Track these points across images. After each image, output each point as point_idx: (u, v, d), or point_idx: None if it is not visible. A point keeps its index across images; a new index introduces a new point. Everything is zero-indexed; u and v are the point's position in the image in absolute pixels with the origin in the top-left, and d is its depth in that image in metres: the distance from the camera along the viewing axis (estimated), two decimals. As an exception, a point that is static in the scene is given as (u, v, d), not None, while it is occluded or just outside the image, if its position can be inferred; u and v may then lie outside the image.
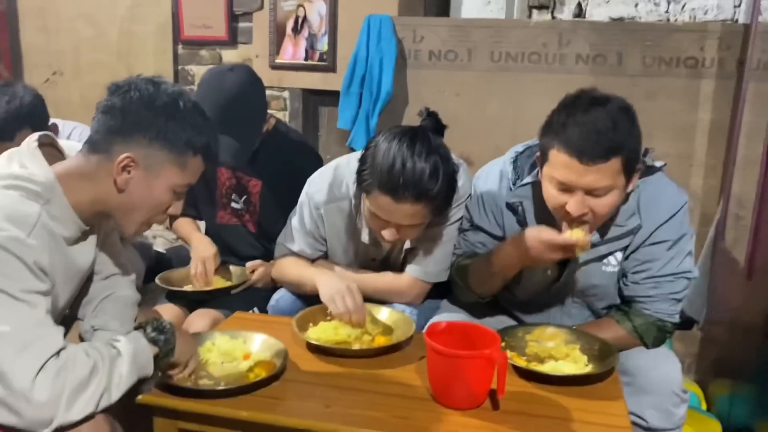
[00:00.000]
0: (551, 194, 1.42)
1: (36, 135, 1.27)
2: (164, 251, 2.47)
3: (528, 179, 1.58)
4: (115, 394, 1.13)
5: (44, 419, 1.05)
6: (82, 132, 2.11)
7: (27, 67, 3.21)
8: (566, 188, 1.39)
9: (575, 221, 1.41)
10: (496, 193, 1.63)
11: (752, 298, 1.89)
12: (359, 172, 1.57)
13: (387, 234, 1.58)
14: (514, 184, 1.60)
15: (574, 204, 1.38)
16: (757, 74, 2.15)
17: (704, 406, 2.28)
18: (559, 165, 1.37)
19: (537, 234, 1.44)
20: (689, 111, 2.40)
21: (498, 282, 1.60)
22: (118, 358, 1.15)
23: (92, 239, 1.31)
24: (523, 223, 1.58)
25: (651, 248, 1.51)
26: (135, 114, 1.19)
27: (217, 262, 1.98)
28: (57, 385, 1.06)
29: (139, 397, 1.24)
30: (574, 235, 1.39)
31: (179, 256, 2.38)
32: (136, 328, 1.27)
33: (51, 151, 1.27)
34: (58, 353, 1.08)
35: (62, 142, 1.35)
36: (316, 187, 1.77)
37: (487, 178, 1.68)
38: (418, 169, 1.47)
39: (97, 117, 1.22)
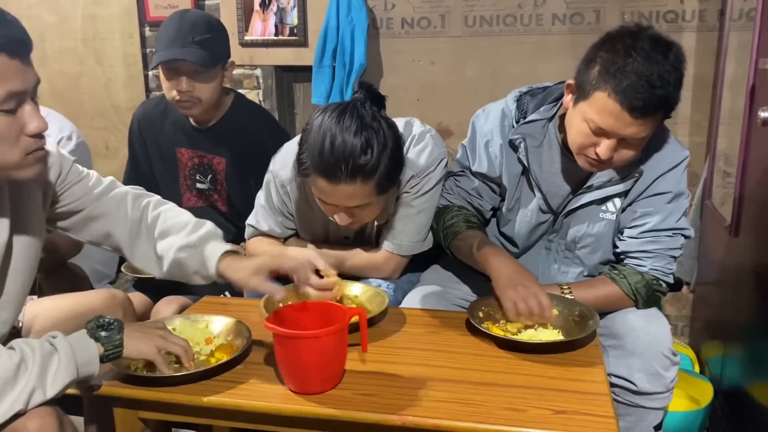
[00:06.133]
0: (583, 132, 1.38)
1: None
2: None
3: (533, 116, 1.54)
4: (51, 392, 1.05)
5: None
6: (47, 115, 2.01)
7: (-8, 59, 3.10)
8: (603, 133, 1.35)
9: (595, 167, 1.42)
10: (498, 131, 1.59)
11: (739, 256, 1.83)
12: (298, 157, 1.49)
13: (338, 219, 1.50)
14: (517, 122, 1.56)
15: (605, 149, 1.35)
16: (739, 24, 2.07)
17: (697, 369, 2.24)
18: (606, 112, 1.32)
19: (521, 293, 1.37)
20: (671, 67, 2.32)
21: (475, 265, 1.55)
22: (53, 355, 1.07)
23: None
24: (522, 162, 1.55)
25: (651, 200, 1.47)
26: None
27: None
28: None
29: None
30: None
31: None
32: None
33: None
34: None
35: None
36: (281, 164, 1.70)
37: (487, 117, 1.63)
38: (348, 146, 1.38)
39: None
